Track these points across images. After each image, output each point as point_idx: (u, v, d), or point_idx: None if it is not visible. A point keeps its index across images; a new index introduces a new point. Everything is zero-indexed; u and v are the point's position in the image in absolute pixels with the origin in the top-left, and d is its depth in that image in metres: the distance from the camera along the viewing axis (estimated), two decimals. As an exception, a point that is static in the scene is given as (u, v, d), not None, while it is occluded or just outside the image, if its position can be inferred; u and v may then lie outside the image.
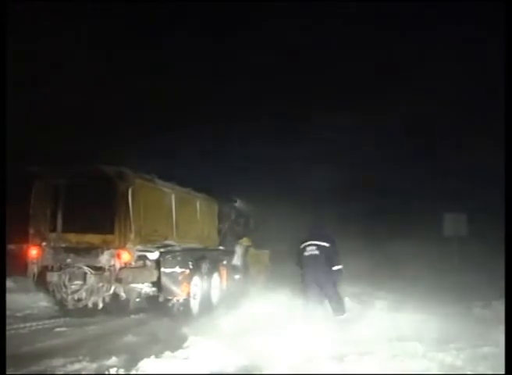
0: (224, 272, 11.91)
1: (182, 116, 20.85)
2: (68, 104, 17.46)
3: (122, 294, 9.43)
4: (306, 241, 9.47)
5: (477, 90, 23.88)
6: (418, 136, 24.75)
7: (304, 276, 9.43)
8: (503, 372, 5.50)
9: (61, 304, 9.69)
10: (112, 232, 9.16)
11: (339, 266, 9.43)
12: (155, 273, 9.35)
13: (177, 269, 9.47)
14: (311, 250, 9.35)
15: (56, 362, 6.32)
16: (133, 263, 9.17)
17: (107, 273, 9.07)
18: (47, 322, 9.31)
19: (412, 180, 23.77)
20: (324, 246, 9.35)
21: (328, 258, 9.33)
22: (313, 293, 9.29)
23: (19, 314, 9.93)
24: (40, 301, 10.81)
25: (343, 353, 6.54)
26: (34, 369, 6.11)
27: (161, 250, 9.51)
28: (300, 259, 9.48)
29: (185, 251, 10.13)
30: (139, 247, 9.22)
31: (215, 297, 11.21)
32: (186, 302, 9.75)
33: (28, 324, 8.96)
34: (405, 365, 6.12)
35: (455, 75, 23.02)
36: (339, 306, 9.37)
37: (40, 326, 8.94)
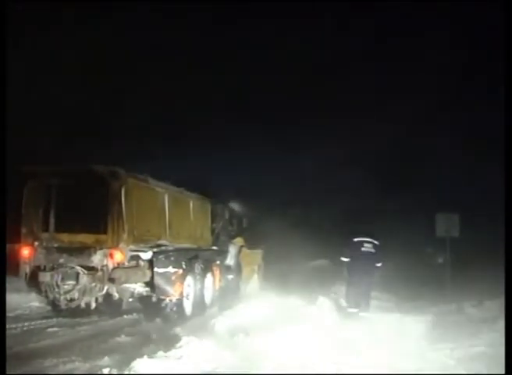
0: (217, 272, 11.89)
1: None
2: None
3: (115, 294, 9.38)
4: (360, 236, 10.05)
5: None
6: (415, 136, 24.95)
7: (355, 270, 10.04)
8: (497, 371, 5.52)
9: (53, 304, 9.64)
10: (104, 232, 9.10)
11: (380, 263, 10.18)
12: (148, 273, 9.30)
13: (170, 269, 9.44)
14: (368, 247, 10.00)
15: (49, 363, 6.31)
16: (126, 263, 9.11)
17: (100, 273, 9.01)
18: (39, 322, 9.28)
19: (406, 180, 23.88)
20: (377, 244, 10.06)
21: (379, 256, 10.08)
22: (357, 286, 10.07)
23: (11, 314, 9.87)
24: (32, 302, 10.77)
25: (337, 353, 6.55)
26: (27, 369, 6.08)
27: (155, 250, 9.46)
28: (353, 254, 10.00)
29: (178, 251, 10.09)
30: (132, 247, 9.17)
31: (208, 297, 11.18)
32: (179, 302, 9.71)
33: (20, 324, 8.91)
34: (399, 365, 6.14)
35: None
36: (367, 304, 10.14)
37: (32, 327, 8.90)
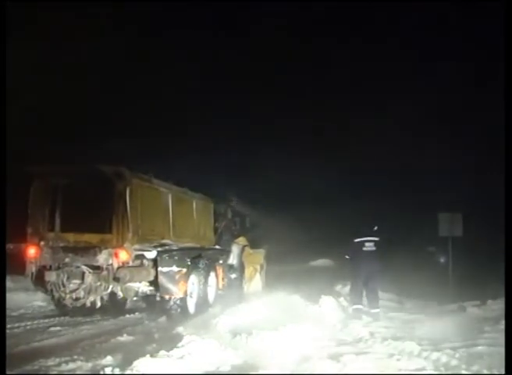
0: (220, 271, 11.92)
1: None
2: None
3: (120, 293, 9.44)
4: (362, 237, 10.24)
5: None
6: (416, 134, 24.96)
7: (359, 270, 10.27)
8: (498, 371, 5.55)
9: (58, 303, 9.69)
10: (109, 231, 9.16)
11: (381, 260, 10.41)
12: (152, 272, 9.36)
13: (174, 268, 9.48)
14: (369, 246, 10.20)
15: (51, 362, 6.30)
16: (130, 262, 9.16)
17: (105, 272, 9.06)
18: (41, 321, 9.30)
19: (408, 181, 23.89)
20: (378, 241, 10.25)
21: (380, 252, 10.29)
22: (360, 285, 10.26)
23: (14, 313, 9.93)
24: (35, 301, 10.82)
25: (340, 353, 6.57)
26: (29, 368, 6.09)
27: (159, 249, 9.52)
28: (356, 254, 10.21)
29: (182, 250, 10.14)
30: (136, 246, 9.22)
31: (211, 296, 11.21)
32: (183, 301, 9.75)
33: (23, 324, 8.94)
34: (401, 364, 6.15)
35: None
36: (376, 300, 10.23)
37: (35, 326, 8.92)
